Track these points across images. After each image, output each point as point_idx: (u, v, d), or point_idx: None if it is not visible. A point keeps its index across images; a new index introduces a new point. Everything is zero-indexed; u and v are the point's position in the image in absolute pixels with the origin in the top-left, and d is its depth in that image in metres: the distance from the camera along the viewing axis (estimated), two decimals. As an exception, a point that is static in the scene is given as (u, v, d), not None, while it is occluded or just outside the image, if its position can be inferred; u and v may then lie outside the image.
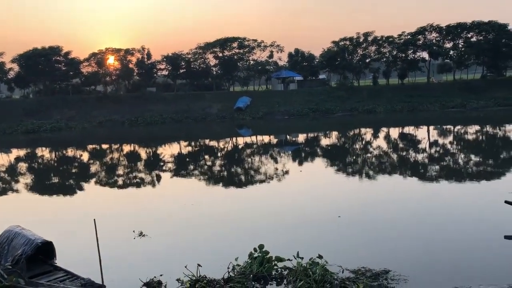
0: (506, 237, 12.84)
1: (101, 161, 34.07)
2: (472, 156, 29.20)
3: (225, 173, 27.29)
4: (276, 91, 72.37)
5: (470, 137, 38.81)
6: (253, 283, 10.45)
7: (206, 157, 34.16)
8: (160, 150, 39.60)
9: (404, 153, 31.60)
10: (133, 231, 14.60)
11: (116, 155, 37.65)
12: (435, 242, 12.96)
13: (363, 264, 11.06)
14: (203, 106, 65.33)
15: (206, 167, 29.37)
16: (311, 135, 46.02)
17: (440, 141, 36.55)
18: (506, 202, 13.70)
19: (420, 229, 14.22)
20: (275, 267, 11.12)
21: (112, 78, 72.47)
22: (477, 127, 44.66)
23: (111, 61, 72.26)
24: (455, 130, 43.70)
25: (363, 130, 47.43)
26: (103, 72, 71.67)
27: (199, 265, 10.68)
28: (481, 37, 70.56)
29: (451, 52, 72.99)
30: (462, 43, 72.25)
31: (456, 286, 9.56)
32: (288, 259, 11.14)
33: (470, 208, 16.31)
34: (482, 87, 65.99)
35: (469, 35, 71.68)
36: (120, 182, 25.48)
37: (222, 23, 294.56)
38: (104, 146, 43.57)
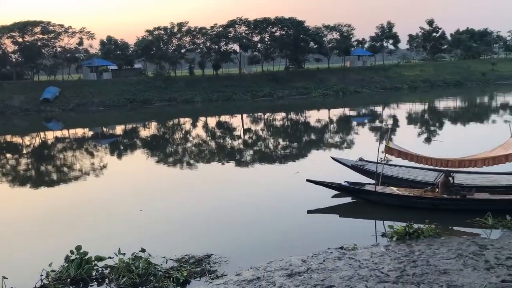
0: (309, 211, 14.64)
1: None
2: (280, 140, 32.20)
3: (33, 172, 24.60)
4: (88, 81, 67.75)
5: (278, 123, 42.72)
6: (71, 287, 9.71)
7: (9, 155, 30.19)
8: None
9: (221, 141, 33.08)
10: None
11: None
12: (251, 223, 13.98)
13: (187, 252, 11.26)
14: (1, 98, 57.41)
15: (8, 166, 25.97)
16: (129, 126, 44.59)
17: (253, 127, 39.39)
18: (308, 180, 15.52)
19: (237, 211, 15.13)
20: (96, 267, 10.50)
21: None
22: (283, 114, 49.44)
23: None
24: (265, 117, 47.54)
25: (182, 120, 47.99)
26: None
27: (4, 277, 9.44)
28: (283, 32, 77.73)
29: (259, 45, 78.74)
30: (268, 37, 78.56)
31: (271, 260, 10.43)
32: (109, 257, 10.64)
33: (280, 188, 17.92)
34: (286, 78, 72.95)
35: (273, 30, 78.28)
36: None
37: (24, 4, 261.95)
38: None
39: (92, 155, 28.74)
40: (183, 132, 38.90)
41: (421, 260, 9.80)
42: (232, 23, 75.55)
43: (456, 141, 27.03)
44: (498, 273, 8.86)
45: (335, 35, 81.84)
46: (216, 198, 16.72)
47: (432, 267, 9.36)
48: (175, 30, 73.12)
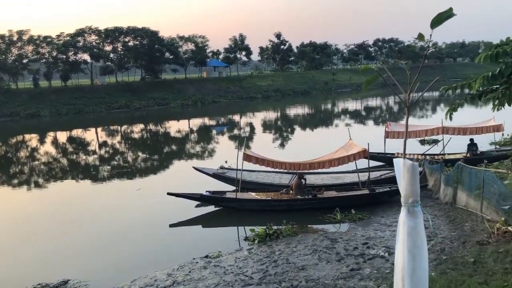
0: (171, 225, 14.43)
1: None
2: (139, 153, 31.24)
3: None
4: None
5: (136, 135, 41.41)
6: None
7: None
8: None
9: (74, 157, 30.81)
10: None
11: None
12: (111, 243, 13.28)
13: (40, 281, 10.22)
14: None
15: None
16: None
17: (110, 141, 37.52)
18: (169, 193, 15.22)
19: (95, 232, 14.24)
20: None
21: None
22: (142, 126, 48.10)
23: None
24: (122, 129, 45.71)
25: (28, 136, 43.44)
26: None
27: None
28: (137, 42, 75.82)
29: (112, 55, 75.58)
30: (121, 47, 75.86)
31: (135, 278, 10.02)
32: None
33: (140, 204, 17.33)
34: (142, 88, 71.16)
35: (126, 39, 75.85)
36: None
37: None
38: None
39: None
40: (29, 149, 35.23)
41: (281, 259, 10.36)
42: (80, 32, 71.24)
43: (306, 144, 29.34)
44: (348, 263, 9.81)
45: (191, 46, 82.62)
46: (71, 220, 15.51)
47: (292, 265, 9.97)
48: (15, 38, 66.17)
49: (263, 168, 16.72)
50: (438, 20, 2.31)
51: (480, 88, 11.34)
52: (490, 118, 20.43)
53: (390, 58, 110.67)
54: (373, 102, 66.62)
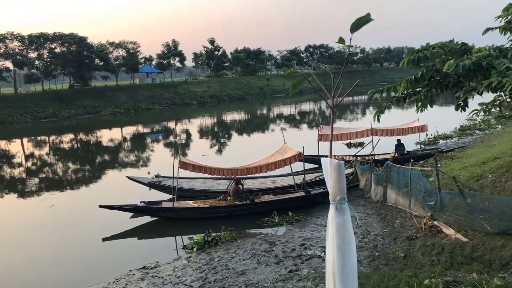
0: (105, 239, 13.80)
1: None
2: (70, 164, 29.83)
3: None
4: None
5: (66, 145, 39.50)
6: None
7: None
8: None
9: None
10: None
11: None
12: (41, 262, 12.53)
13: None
14: None
15: None
16: None
17: (37, 152, 35.50)
18: (101, 206, 14.57)
19: (23, 247, 13.39)
20: None
21: None
22: (72, 135, 45.98)
23: None
24: (51, 140, 43.45)
25: None
26: None
27: None
28: (64, 49, 72.62)
29: (37, 62, 71.87)
30: (47, 54, 72.33)
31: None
32: None
33: (70, 219, 16.52)
34: (71, 97, 68.19)
35: (53, 46, 72.43)
36: None
37: None
38: None
39: None
40: None
41: (220, 266, 10.30)
42: (1, 38, 67.04)
43: (244, 149, 29.48)
44: (286, 265, 9.94)
45: (121, 52, 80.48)
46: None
47: (231, 270, 9.94)
48: None
49: (200, 175, 16.56)
50: (357, 24, 2.41)
51: (405, 91, 12.03)
52: (415, 119, 21.66)
53: (321, 64, 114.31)
54: (307, 106, 68.45)
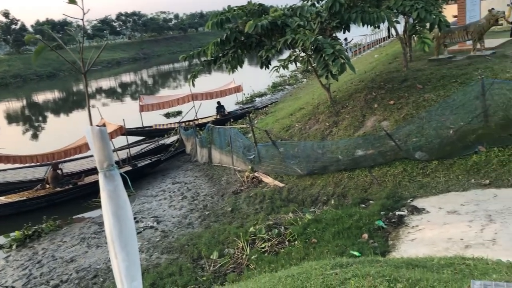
0: None
1: None
2: None
3: None
4: None
5: None
6: None
7: None
8: None
9: None
10: None
11: None
12: None
13: None
14: None
15: None
16: None
17: None
18: None
19: None
20: None
21: None
22: None
23: None
24: None
25: None
26: None
27: None
28: None
29: None
30: None
31: None
32: None
33: None
34: None
35: None
36: None
37: None
38: None
39: None
40: None
41: (46, 258, 9.55)
42: None
43: (62, 131, 27.15)
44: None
45: None
46: None
47: (59, 260, 9.30)
48: None
49: (9, 165, 14.78)
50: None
51: (214, 54, 12.43)
52: (231, 81, 22.69)
53: (136, 32, 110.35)
54: (127, 77, 65.89)
